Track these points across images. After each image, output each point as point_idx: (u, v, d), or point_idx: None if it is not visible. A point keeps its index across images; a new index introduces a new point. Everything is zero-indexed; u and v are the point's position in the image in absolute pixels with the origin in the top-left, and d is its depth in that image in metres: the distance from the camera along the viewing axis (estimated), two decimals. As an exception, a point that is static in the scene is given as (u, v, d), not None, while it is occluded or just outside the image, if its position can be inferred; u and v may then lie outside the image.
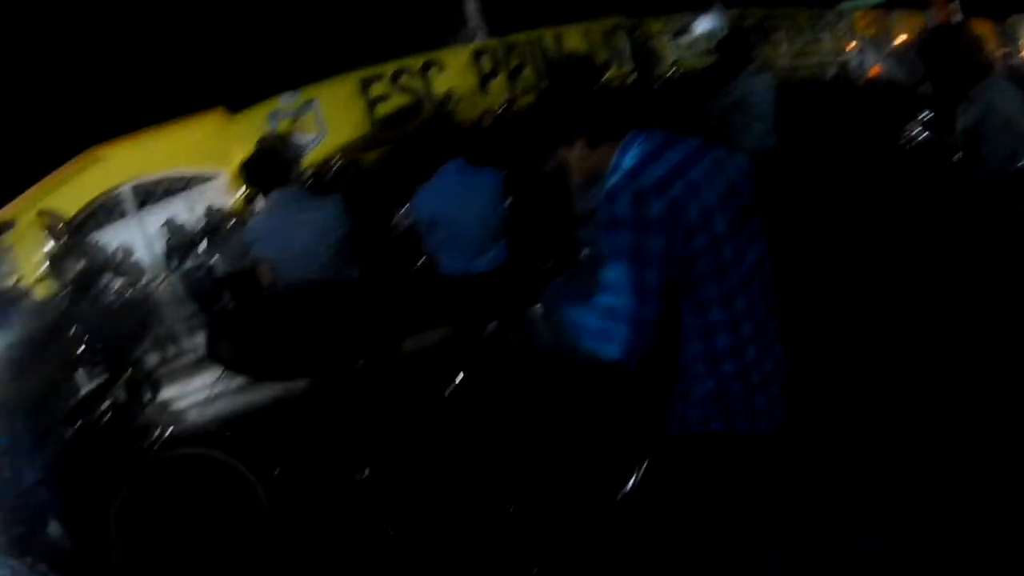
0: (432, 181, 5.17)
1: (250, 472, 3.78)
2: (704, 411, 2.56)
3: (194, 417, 8.21)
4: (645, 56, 16.30)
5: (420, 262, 5.74)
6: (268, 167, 4.77)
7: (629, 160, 2.50)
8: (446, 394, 4.68)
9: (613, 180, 2.47)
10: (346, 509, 4.27)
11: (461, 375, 4.23)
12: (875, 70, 11.50)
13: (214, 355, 3.54)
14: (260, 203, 13.44)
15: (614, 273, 2.40)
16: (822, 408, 4.19)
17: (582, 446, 3.83)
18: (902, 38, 13.24)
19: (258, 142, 5.05)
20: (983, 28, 11.54)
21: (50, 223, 6.25)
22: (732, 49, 7.53)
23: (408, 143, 5.59)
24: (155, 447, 3.74)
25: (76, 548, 3.50)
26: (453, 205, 5.06)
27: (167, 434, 3.92)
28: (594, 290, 2.47)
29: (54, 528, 3.38)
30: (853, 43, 18.13)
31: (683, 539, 2.75)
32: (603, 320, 2.44)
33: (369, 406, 4.83)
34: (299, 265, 4.55)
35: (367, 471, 4.18)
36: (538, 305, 3.83)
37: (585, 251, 4.58)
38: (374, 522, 4.07)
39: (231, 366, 3.59)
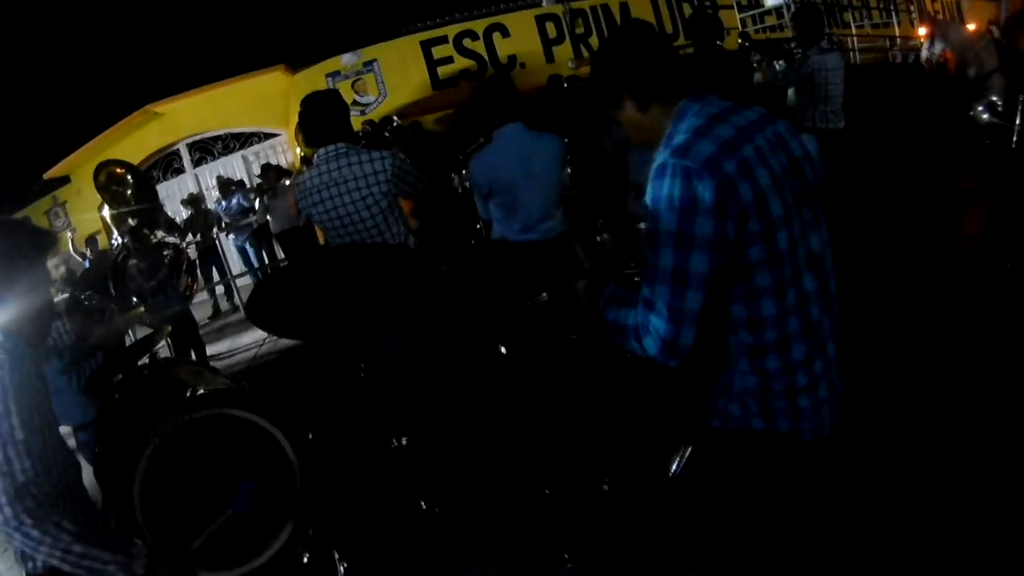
0: (491, 145, 4.96)
1: (287, 439, 3.57)
2: (744, 407, 2.41)
3: (231, 375, 8.14)
4: (711, 25, 15.91)
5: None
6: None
7: (681, 133, 2.30)
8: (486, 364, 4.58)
9: (662, 155, 2.25)
10: (382, 477, 4.18)
11: (504, 348, 3.98)
12: (947, 54, 10.95)
13: (253, 314, 3.28)
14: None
15: (657, 259, 2.24)
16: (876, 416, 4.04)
17: (623, 431, 3.66)
18: (973, 26, 12.67)
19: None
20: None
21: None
22: (803, 23, 7.35)
23: (469, 105, 5.18)
24: (190, 404, 3.50)
25: (105, 507, 3.35)
26: (512, 170, 4.85)
27: (203, 391, 3.67)
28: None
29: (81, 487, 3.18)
30: (925, 28, 17.64)
31: (718, 535, 2.72)
32: (642, 313, 2.30)
33: (414, 371, 4.76)
34: None
35: (404, 440, 3.94)
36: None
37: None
38: (408, 492, 3.92)
39: (273, 327, 3.34)
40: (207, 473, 3.43)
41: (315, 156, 4.55)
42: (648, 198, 2.26)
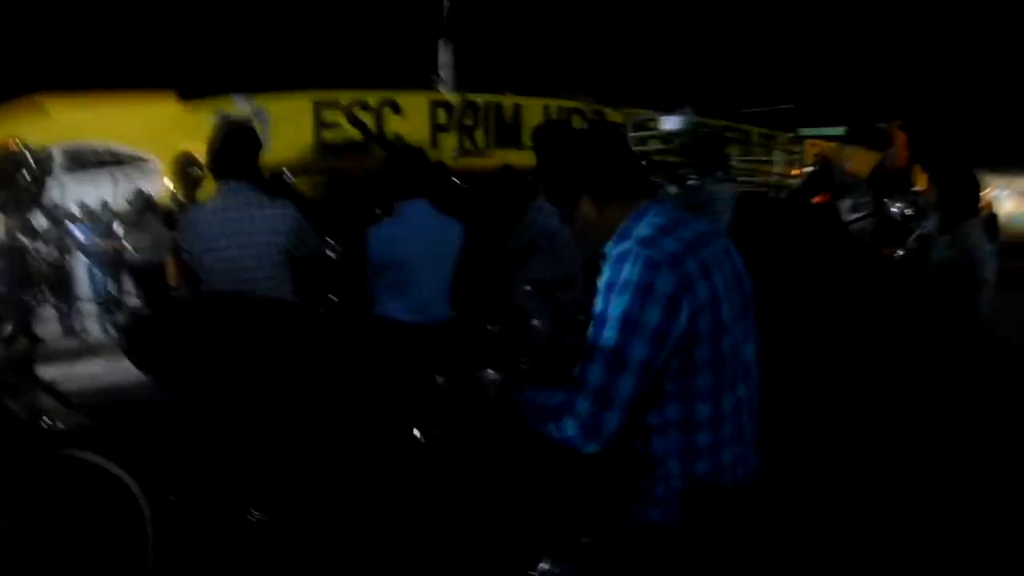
0: (393, 218, 4.93)
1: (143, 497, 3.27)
2: (667, 511, 2.39)
3: (84, 411, 7.87)
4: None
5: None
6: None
7: (643, 229, 2.42)
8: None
9: (625, 244, 2.37)
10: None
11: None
12: (821, 197, 11.97)
13: (124, 350, 3.23)
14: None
15: (596, 340, 2.28)
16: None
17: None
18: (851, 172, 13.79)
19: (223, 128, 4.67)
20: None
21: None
22: (705, 151, 7.82)
23: (379, 172, 5.29)
24: (40, 442, 3.35)
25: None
26: (412, 247, 4.78)
27: (53, 428, 3.51)
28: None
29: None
30: (801, 169, 18.88)
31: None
32: (569, 393, 2.29)
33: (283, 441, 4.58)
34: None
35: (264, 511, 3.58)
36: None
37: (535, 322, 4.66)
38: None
39: (141, 365, 3.31)
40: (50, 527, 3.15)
41: (217, 190, 4.38)
42: (601, 282, 2.34)
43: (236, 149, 4.37)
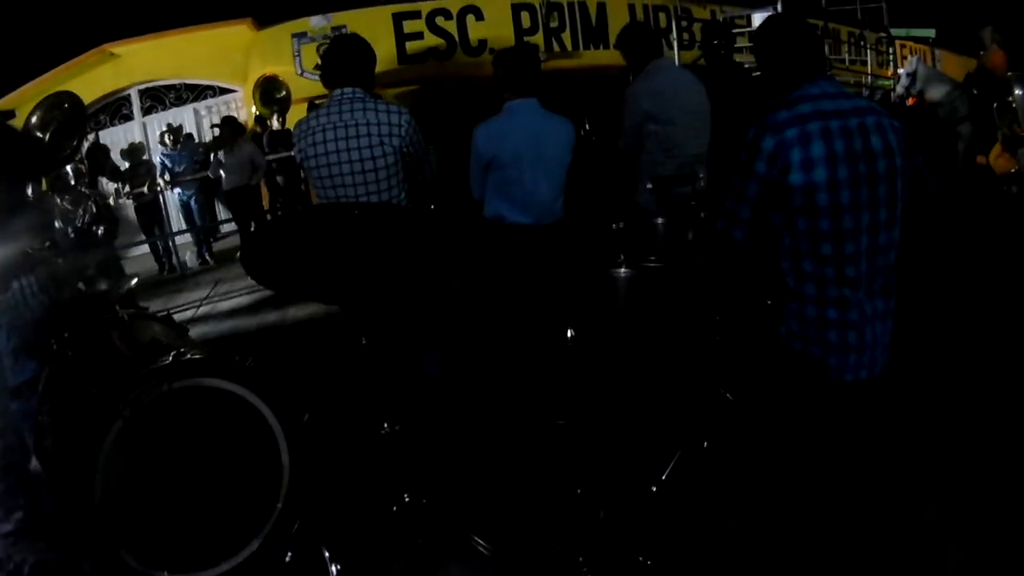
0: (501, 115, 4.77)
1: (279, 421, 3.19)
2: (798, 343, 2.93)
3: (211, 341, 7.64)
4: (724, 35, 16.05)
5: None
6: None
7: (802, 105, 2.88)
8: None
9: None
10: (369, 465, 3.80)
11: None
12: (912, 100, 11.01)
13: (246, 265, 2.89)
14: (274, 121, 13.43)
15: (731, 180, 2.94)
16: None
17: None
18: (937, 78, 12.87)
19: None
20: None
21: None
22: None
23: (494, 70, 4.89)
24: (169, 371, 3.09)
25: (57, 491, 2.92)
26: (519, 143, 4.67)
27: (178, 359, 3.23)
28: None
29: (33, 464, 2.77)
30: (893, 70, 18.02)
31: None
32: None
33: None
34: None
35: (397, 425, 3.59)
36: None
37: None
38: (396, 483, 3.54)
39: (263, 279, 2.95)
40: (182, 455, 3.05)
41: (329, 97, 4.23)
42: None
43: (346, 58, 4.24)
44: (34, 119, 5.40)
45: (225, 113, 14.71)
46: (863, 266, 2.84)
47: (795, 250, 2.87)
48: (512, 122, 4.72)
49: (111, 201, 10.33)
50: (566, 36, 16.11)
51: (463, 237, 3.11)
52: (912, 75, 10.87)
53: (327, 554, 3.08)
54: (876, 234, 2.84)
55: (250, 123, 14.24)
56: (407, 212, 3.75)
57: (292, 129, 4.34)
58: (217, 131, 12.86)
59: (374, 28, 14.66)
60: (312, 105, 12.29)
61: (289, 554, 3.11)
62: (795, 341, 2.93)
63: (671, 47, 13.84)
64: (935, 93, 10.57)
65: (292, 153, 4.30)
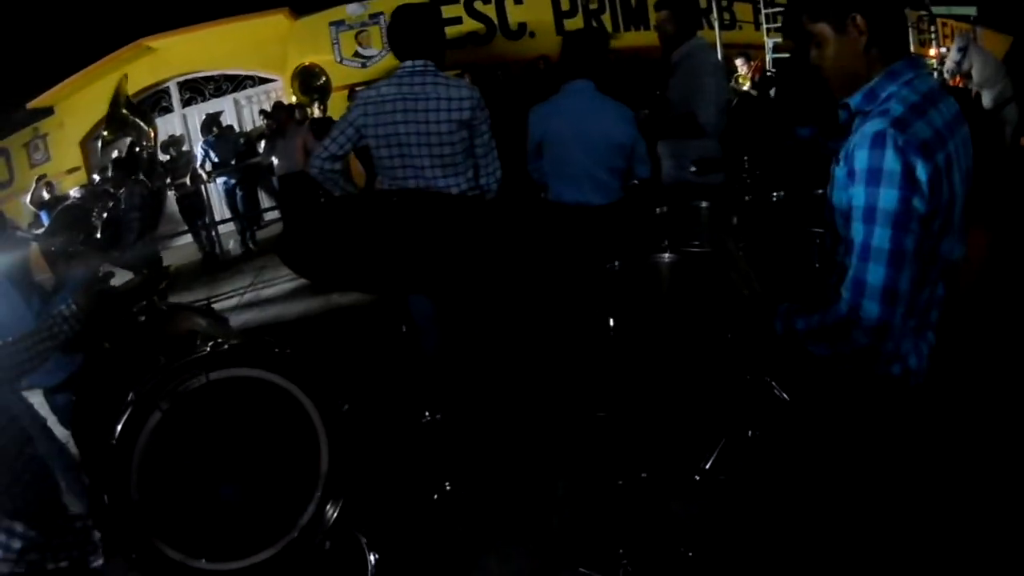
0: (555, 96, 4.78)
1: (316, 406, 3.14)
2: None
3: (252, 330, 7.65)
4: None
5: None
6: None
7: (893, 100, 2.20)
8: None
9: (878, 123, 2.13)
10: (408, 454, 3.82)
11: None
12: (957, 80, 10.68)
13: (283, 256, 2.85)
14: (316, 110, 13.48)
15: (870, 237, 2.15)
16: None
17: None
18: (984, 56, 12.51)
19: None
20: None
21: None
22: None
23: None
24: (207, 362, 3.03)
25: (94, 483, 2.89)
26: (565, 123, 4.66)
27: (215, 349, 3.17)
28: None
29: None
30: (937, 50, 17.64)
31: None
32: (852, 298, 2.19)
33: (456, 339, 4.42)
34: None
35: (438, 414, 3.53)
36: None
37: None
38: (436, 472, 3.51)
39: (301, 270, 2.91)
40: (220, 445, 3.01)
41: (399, 69, 4.11)
42: (858, 164, 2.15)
43: (411, 27, 4.08)
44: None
45: (265, 103, 14.77)
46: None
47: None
48: (561, 103, 4.73)
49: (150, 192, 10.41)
50: (606, 18, 15.89)
51: (507, 224, 3.04)
52: (964, 51, 10.50)
53: (365, 543, 3.05)
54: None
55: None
56: (447, 199, 3.65)
57: (349, 105, 4.22)
58: (263, 119, 12.88)
59: (411, 14, 14.63)
60: (352, 93, 12.27)
61: (328, 543, 3.07)
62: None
63: (711, 27, 13.67)
64: (985, 73, 10.24)
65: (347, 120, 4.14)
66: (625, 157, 4.72)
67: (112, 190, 8.77)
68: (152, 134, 11.66)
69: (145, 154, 10.06)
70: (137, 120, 9.95)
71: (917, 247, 2.14)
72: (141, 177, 9.20)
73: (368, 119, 4.04)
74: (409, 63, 4.03)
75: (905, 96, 2.20)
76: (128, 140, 11.20)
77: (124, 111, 5.31)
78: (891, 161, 2.09)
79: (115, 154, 9.24)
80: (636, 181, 4.87)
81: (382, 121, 4.00)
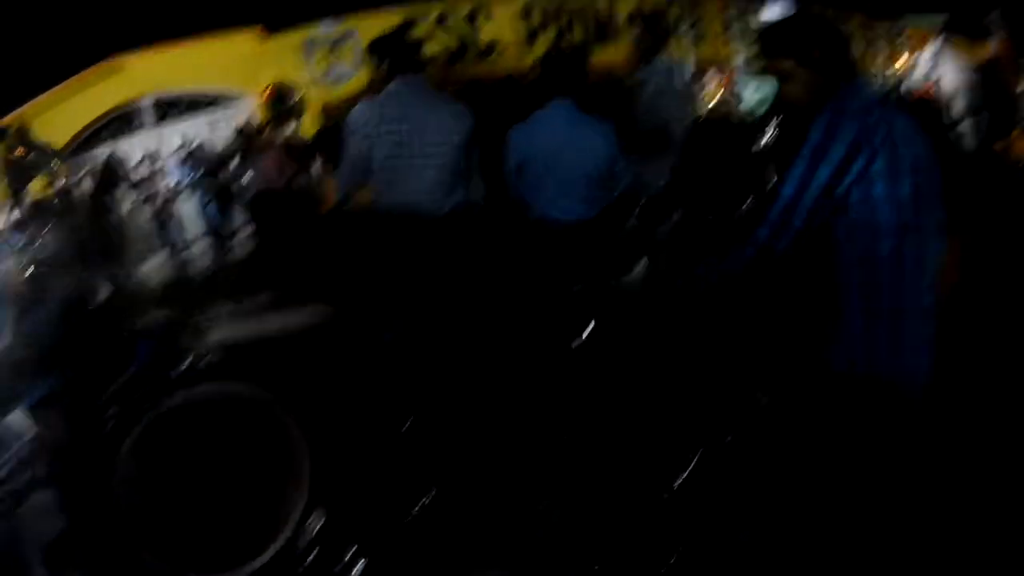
0: (535, 114, 4.92)
1: (296, 419, 3.20)
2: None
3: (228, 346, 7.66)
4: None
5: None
6: None
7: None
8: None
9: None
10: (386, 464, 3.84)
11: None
12: (929, 87, 10.83)
13: (262, 271, 2.90)
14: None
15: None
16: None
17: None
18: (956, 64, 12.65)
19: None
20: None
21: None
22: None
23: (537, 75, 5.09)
24: (180, 380, 3.08)
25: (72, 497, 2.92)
26: (543, 141, 4.78)
27: (195, 365, 3.23)
28: None
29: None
30: (905, 59, 17.81)
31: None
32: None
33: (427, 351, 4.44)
34: None
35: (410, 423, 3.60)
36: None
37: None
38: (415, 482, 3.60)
39: (278, 287, 2.99)
40: (203, 459, 3.05)
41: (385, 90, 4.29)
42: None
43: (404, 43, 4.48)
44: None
45: (238, 121, 14.75)
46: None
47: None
48: (540, 122, 4.85)
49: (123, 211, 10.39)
50: (577, 32, 16.00)
51: (477, 243, 3.13)
52: (936, 57, 10.59)
53: (350, 553, 3.10)
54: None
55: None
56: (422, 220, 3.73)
57: (342, 122, 4.25)
58: (236, 137, 13.02)
59: (383, 32, 14.65)
60: (326, 110, 12.29)
61: (312, 553, 3.11)
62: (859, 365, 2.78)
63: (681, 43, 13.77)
64: (956, 81, 10.35)
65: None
66: (606, 174, 4.81)
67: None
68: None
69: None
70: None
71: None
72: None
73: (367, 136, 4.20)
74: (400, 80, 4.06)
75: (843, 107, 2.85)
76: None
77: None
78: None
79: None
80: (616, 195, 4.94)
81: (382, 139, 4.09)
